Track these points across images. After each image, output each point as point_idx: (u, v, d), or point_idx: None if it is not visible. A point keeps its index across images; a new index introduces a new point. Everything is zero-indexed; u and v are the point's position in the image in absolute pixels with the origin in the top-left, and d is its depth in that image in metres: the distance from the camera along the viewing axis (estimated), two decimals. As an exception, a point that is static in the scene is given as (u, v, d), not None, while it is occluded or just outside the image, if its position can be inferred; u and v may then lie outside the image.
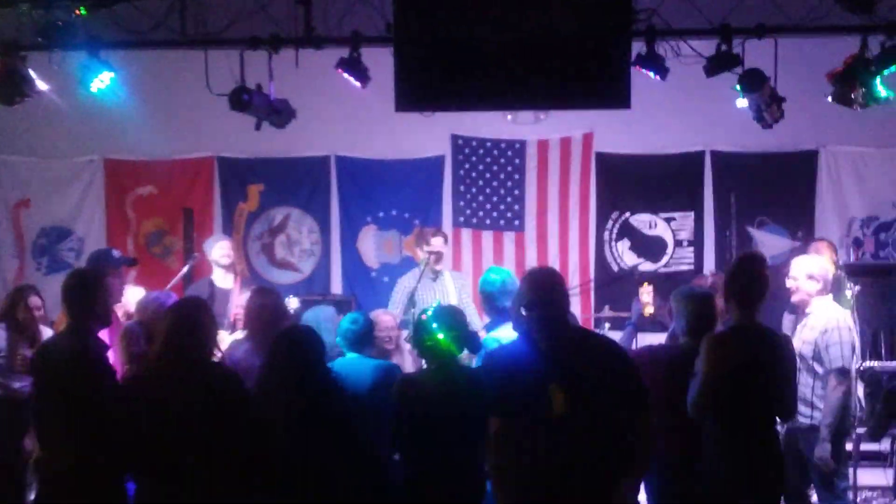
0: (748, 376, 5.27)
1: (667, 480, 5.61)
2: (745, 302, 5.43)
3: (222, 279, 8.53)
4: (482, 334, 6.32)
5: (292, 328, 5.80)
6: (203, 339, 5.11)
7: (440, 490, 5.22)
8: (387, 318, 7.13)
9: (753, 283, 5.47)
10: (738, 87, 7.71)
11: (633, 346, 6.86)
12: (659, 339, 6.73)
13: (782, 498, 5.66)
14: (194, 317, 5.14)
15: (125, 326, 6.36)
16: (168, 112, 9.89)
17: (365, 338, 6.18)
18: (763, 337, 5.42)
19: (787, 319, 6.75)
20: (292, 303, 8.21)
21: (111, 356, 5.77)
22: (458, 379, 5.38)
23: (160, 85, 9.56)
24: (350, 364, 5.97)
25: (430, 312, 5.56)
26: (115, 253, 7.93)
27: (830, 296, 6.66)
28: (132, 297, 7.32)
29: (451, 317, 5.55)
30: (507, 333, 6.39)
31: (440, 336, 5.38)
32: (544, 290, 4.86)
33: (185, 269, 9.03)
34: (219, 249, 8.62)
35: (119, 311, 7.03)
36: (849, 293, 7.43)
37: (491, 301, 6.68)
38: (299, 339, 5.34)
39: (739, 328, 5.42)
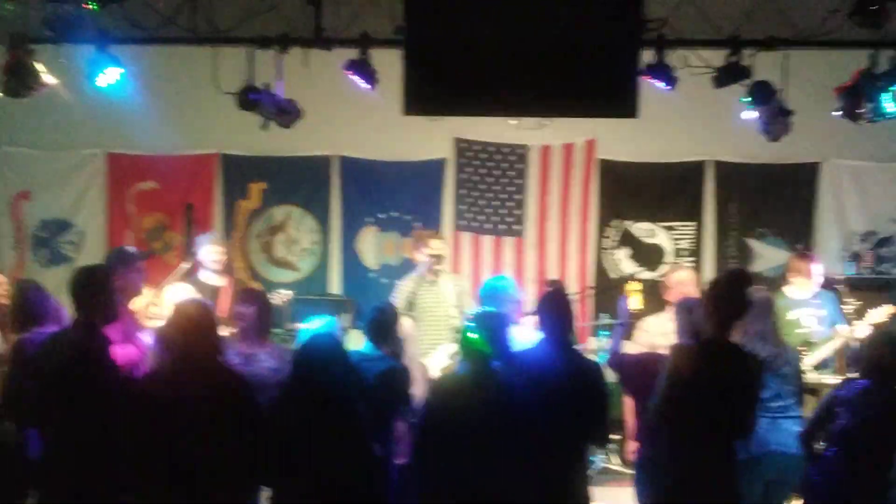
0: (706, 390, 5.29)
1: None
2: (721, 319, 5.42)
3: (210, 277, 8.43)
4: None
5: (313, 342, 5.45)
6: (213, 342, 5.08)
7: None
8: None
9: (733, 303, 5.48)
10: (746, 98, 7.74)
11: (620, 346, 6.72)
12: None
13: None
14: (202, 319, 5.12)
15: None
16: (173, 108, 9.83)
17: (383, 330, 6.21)
18: (729, 354, 5.42)
19: None
20: (284, 295, 8.22)
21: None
22: (490, 382, 5.39)
23: (166, 81, 9.52)
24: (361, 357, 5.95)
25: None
26: (130, 249, 7.89)
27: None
28: (174, 294, 7.31)
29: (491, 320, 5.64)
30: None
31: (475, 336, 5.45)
32: None
33: (185, 265, 8.97)
34: (206, 252, 8.49)
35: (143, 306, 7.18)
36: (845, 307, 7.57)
37: (481, 303, 6.89)
38: (322, 358, 5.20)
39: (708, 342, 5.42)
